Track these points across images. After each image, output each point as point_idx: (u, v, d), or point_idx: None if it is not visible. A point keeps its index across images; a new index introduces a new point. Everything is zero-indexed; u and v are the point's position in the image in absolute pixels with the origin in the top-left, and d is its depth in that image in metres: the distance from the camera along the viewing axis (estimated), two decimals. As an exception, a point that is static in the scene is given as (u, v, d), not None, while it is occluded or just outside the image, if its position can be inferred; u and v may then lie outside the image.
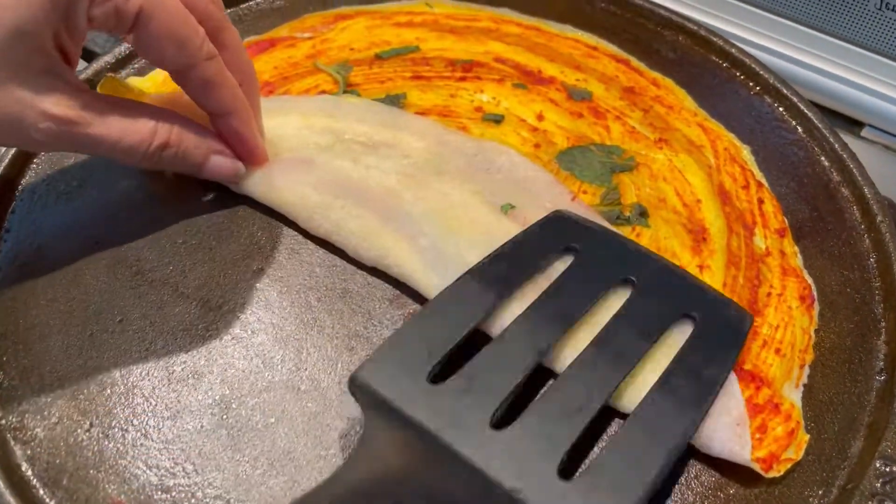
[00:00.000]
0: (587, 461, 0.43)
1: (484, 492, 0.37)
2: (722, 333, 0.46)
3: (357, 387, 0.40)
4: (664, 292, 0.47)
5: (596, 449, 0.44)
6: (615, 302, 0.47)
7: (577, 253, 0.49)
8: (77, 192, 0.55)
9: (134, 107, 0.48)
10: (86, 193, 0.55)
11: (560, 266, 0.48)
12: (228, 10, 0.69)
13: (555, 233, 0.50)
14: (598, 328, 0.45)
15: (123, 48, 0.64)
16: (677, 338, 0.46)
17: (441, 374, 0.42)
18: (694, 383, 0.43)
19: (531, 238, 0.49)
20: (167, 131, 0.48)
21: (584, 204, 0.54)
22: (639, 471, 0.39)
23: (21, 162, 0.56)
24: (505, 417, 0.41)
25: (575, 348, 0.45)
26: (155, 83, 0.59)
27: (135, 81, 0.59)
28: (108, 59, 0.63)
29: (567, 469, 0.39)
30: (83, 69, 0.62)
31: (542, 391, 0.44)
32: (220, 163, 0.52)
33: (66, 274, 0.51)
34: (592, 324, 0.46)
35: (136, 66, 0.64)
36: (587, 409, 0.41)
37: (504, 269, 0.47)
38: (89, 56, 0.65)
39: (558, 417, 0.40)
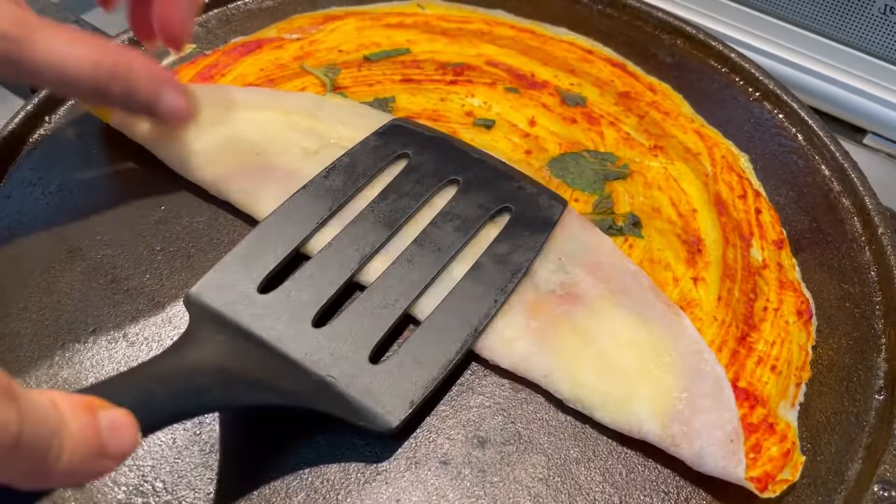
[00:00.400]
0: (398, 342, 0.47)
1: (304, 381, 0.42)
2: (533, 222, 0.50)
3: (191, 304, 0.44)
4: (484, 190, 0.51)
5: None
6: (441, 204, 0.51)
7: (408, 159, 0.52)
8: (53, 197, 0.54)
9: (80, 33, 0.45)
10: (63, 199, 0.54)
11: (393, 173, 0.52)
12: (216, 10, 0.68)
13: (388, 141, 0.53)
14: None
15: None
16: (494, 232, 0.50)
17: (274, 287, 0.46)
18: (500, 268, 0.47)
19: (365, 148, 0.53)
20: (114, 60, 0.45)
21: (574, 211, 0.53)
22: (442, 348, 0.45)
23: (-6, 167, 0.55)
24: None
25: (391, 255, 0.48)
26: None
27: None
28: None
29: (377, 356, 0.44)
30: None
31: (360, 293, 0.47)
32: (174, 102, 0.48)
33: (39, 282, 0.50)
34: (418, 228, 0.49)
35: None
36: (399, 303, 0.46)
37: (337, 181, 0.51)
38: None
39: (372, 312, 0.45)
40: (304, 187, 0.50)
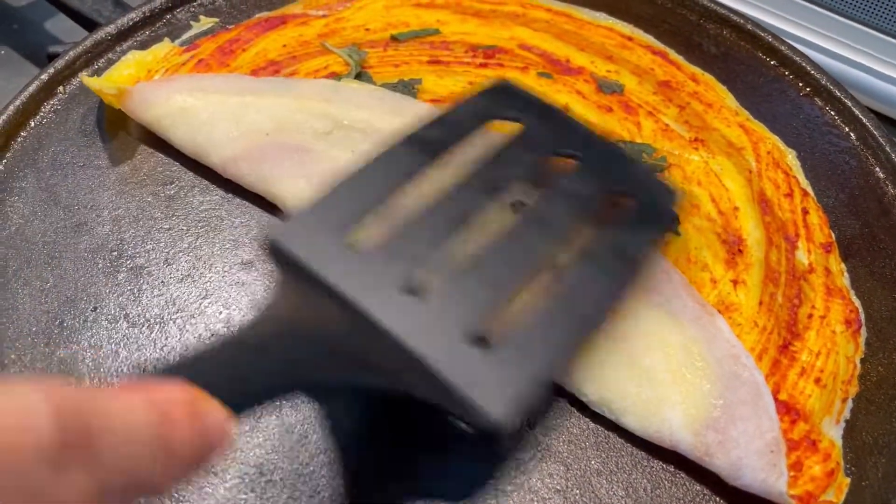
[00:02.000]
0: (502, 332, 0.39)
1: (397, 356, 0.35)
2: (654, 212, 0.44)
3: (272, 247, 0.38)
4: (603, 170, 0.44)
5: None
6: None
7: (518, 123, 0.45)
8: (61, 171, 0.52)
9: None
10: (71, 173, 0.52)
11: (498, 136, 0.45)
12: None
13: (497, 101, 0.46)
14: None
15: (126, 20, 0.60)
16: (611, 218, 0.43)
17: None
18: (618, 261, 0.41)
19: (472, 105, 0.46)
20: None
21: (606, 206, 0.49)
22: (552, 343, 0.37)
23: (3, 140, 0.52)
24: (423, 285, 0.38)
25: (497, 224, 0.41)
26: (110, 80, 0.54)
27: (89, 81, 0.53)
28: (109, 29, 0.60)
29: (484, 340, 0.36)
30: (83, 39, 0.58)
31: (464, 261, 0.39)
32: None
33: (42, 256, 0.48)
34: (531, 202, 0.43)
35: (138, 38, 0.60)
36: (509, 282, 0.38)
37: (440, 134, 0.44)
38: (91, 25, 0.61)
39: (476, 287, 0.38)
40: (403, 137, 0.43)
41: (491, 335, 0.36)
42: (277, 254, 0.37)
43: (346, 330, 0.36)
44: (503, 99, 0.46)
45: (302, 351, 0.35)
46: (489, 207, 0.41)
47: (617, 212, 0.43)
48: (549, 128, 0.46)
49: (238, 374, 0.32)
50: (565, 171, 0.44)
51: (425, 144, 0.43)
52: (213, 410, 0.29)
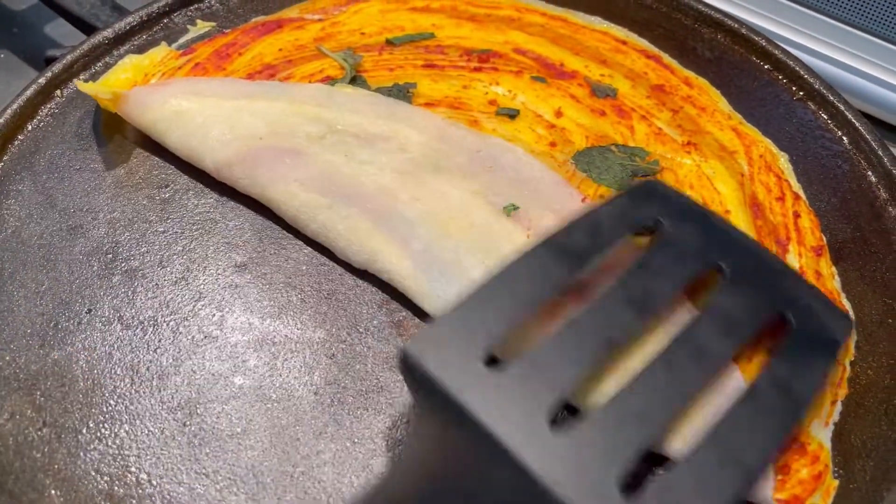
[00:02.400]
0: (655, 478, 0.37)
1: (534, 499, 0.32)
2: (817, 339, 0.39)
3: (407, 364, 0.34)
4: (757, 286, 0.40)
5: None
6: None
7: (662, 230, 0.42)
8: (57, 174, 0.52)
9: None
10: (67, 176, 0.52)
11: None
12: (238, -11, 0.66)
13: (641, 205, 0.43)
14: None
15: (124, 24, 0.61)
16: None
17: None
18: (781, 399, 0.37)
19: (614, 208, 0.42)
20: None
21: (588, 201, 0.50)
22: (709, 497, 0.33)
23: (0, 143, 0.53)
24: (566, 416, 0.35)
25: (655, 342, 0.38)
26: (107, 84, 0.55)
27: (84, 86, 0.54)
28: (107, 33, 0.60)
29: (632, 484, 0.33)
30: (81, 43, 0.59)
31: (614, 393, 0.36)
32: None
33: (38, 259, 0.48)
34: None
35: (136, 42, 0.61)
36: (658, 419, 0.35)
37: (582, 241, 0.40)
38: (89, 30, 0.62)
39: (626, 424, 0.34)
40: (542, 242, 0.40)
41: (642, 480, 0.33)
42: (411, 369, 0.34)
43: (481, 460, 0.32)
44: (647, 200, 0.43)
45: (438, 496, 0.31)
46: (636, 325, 0.38)
47: (779, 338, 0.39)
48: (694, 233, 0.42)
49: None
50: (718, 288, 0.40)
51: (565, 252, 0.39)
52: None
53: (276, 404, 0.42)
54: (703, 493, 0.33)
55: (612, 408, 0.35)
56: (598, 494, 0.32)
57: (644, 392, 0.35)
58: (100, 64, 0.58)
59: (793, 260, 0.50)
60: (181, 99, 0.53)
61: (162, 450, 0.41)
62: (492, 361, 0.35)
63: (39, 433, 0.41)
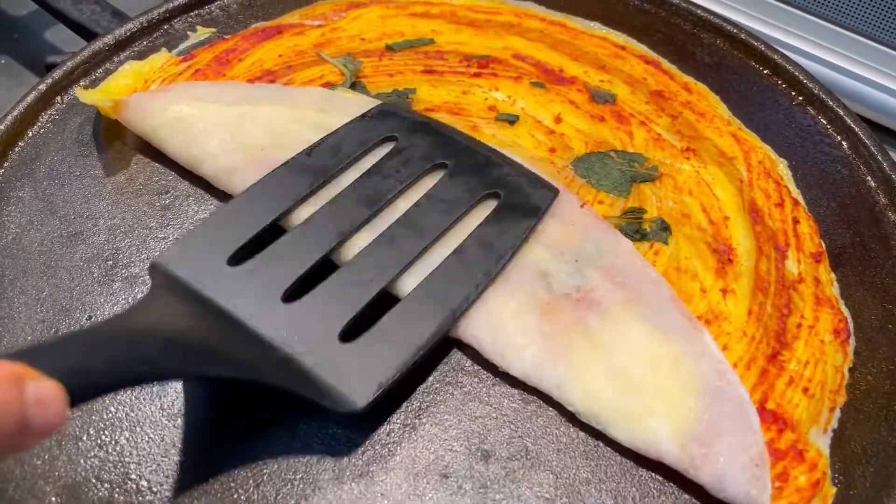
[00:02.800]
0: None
1: (268, 357, 0.40)
2: (522, 209, 0.48)
3: (156, 272, 0.42)
4: (472, 175, 0.49)
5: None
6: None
7: (395, 142, 0.51)
8: (58, 181, 0.52)
9: None
10: (67, 183, 0.52)
11: (379, 156, 0.50)
12: (239, -6, 0.66)
13: (375, 124, 0.52)
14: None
15: (124, 30, 0.61)
16: (481, 217, 0.48)
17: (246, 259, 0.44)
18: (484, 253, 0.46)
19: (351, 130, 0.51)
20: None
21: (594, 212, 0.50)
22: (418, 329, 0.42)
23: (1, 150, 0.53)
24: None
25: (371, 234, 0.46)
26: (107, 90, 0.55)
27: (84, 94, 0.54)
28: (107, 39, 0.60)
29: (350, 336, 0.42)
30: (81, 49, 0.59)
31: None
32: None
33: (38, 265, 0.48)
34: (401, 210, 0.48)
35: (136, 48, 0.61)
36: (375, 282, 0.44)
37: (320, 159, 0.49)
38: (90, 36, 0.62)
39: (346, 290, 0.43)
40: (284, 164, 0.48)
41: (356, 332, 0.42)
42: (160, 275, 0.42)
43: (217, 333, 0.40)
44: (382, 121, 0.52)
45: (155, 348, 0.37)
46: (365, 217, 0.47)
47: (489, 211, 0.48)
48: (422, 141, 0.51)
49: (84, 365, 0.33)
50: (438, 180, 0.49)
51: (308, 169, 0.48)
52: (43, 388, 0.29)
53: (276, 413, 0.42)
54: (412, 326, 0.42)
55: (336, 278, 0.44)
56: (321, 344, 0.41)
57: (365, 263, 0.45)
58: (100, 70, 0.59)
59: (792, 266, 0.50)
60: (182, 105, 0.53)
61: (163, 457, 0.41)
62: (238, 261, 0.44)
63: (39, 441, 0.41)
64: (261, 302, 0.42)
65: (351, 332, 0.42)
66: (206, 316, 0.40)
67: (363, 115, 0.52)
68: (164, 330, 0.38)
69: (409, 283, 0.45)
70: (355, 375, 0.40)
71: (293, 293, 0.43)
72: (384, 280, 0.44)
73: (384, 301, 0.44)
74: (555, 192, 0.50)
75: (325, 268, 0.45)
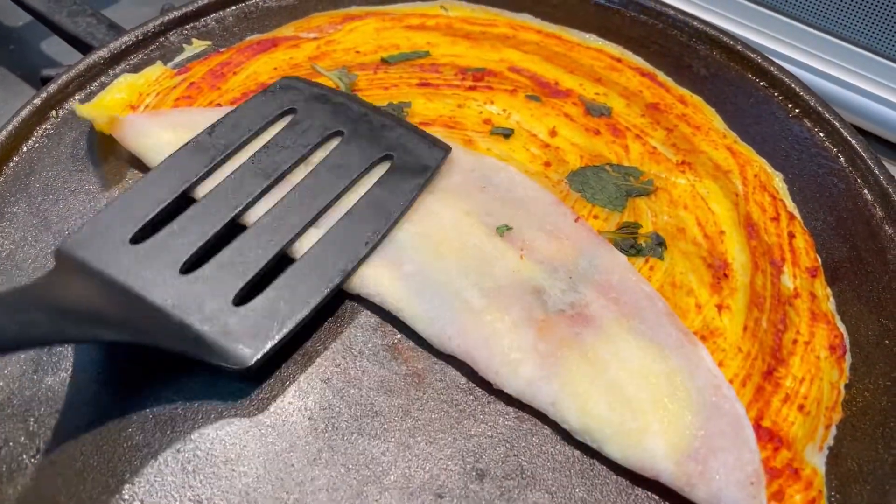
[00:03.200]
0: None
1: (164, 325, 0.42)
2: (412, 168, 0.50)
3: (60, 257, 0.44)
4: (367, 140, 0.52)
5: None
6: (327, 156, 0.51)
7: (294, 114, 0.53)
8: (53, 197, 0.52)
9: None
10: (62, 199, 0.52)
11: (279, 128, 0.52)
12: (234, 7, 0.66)
13: (275, 97, 0.54)
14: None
15: (119, 43, 0.61)
16: (375, 179, 0.50)
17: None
18: (375, 212, 0.48)
19: (251, 105, 0.53)
20: None
21: (589, 227, 0.50)
22: (310, 288, 0.45)
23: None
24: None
25: (270, 203, 0.48)
26: (102, 104, 0.55)
27: (81, 109, 0.54)
28: (102, 52, 0.60)
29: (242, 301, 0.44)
30: (77, 62, 0.59)
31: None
32: None
33: (28, 281, 0.48)
34: (299, 177, 0.50)
35: (131, 61, 0.61)
36: (271, 246, 0.46)
37: (222, 136, 0.51)
38: (85, 49, 0.62)
39: (243, 256, 0.46)
40: (186, 144, 0.51)
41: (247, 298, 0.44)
42: (63, 258, 0.44)
43: (116, 305, 0.43)
44: (282, 94, 0.54)
45: (44, 314, 0.39)
46: (264, 186, 0.49)
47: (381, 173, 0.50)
48: (320, 111, 0.53)
49: None
50: (338, 146, 0.51)
51: (210, 146, 0.51)
52: None
53: (269, 430, 0.42)
54: (305, 285, 0.45)
55: (233, 245, 0.46)
56: (214, 309, 0.43)
57: (262, 229, 0.47)
58: (95, 83, 0.59)
59: (787, 281, 0.50)
60: (172, 132, 0.52)
61: (156, 477, 0.40)
62: (143, 239, 0.46)
63: (33, 460, 0.41)
64: (160, 274, 0.44)
65: (249, 296, 0.45)
66: (110, 291, 0.43)
67: (264, 91, 0.54)
68: (52, 299, 0.40)
69: (304, 246, 0.47)
70: (246, 334, 0.43)
71: (196, 263, 0.45)
72: (278, 245, 0.46)
73: (287, 264, 0.47)
74: (447, 150, 0.52)
75: (233, 237, 0.47)
